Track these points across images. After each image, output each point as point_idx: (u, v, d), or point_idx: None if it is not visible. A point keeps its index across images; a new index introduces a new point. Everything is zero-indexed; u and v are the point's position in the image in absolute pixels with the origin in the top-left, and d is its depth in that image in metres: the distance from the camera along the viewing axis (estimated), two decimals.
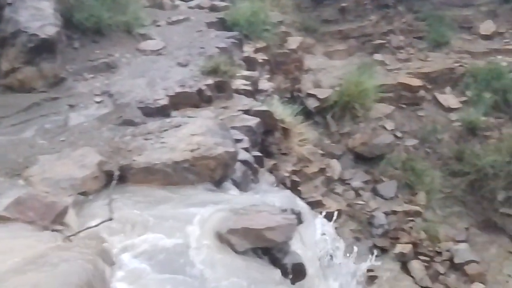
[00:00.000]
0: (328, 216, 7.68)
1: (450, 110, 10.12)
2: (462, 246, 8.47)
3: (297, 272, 3.57)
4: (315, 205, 7.62)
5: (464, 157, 9.42)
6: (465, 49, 11.08)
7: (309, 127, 9.37)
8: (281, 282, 3.32)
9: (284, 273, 3.47)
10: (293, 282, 3.55)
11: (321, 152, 8.83)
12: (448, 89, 10.44)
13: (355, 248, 4.51)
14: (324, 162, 8.59)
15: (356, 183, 8.91)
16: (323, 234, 4.30)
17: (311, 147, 8.45)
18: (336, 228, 7.89)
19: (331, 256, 4.27)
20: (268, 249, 3.50)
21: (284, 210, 3.66)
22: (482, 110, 9.96)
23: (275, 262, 3.50)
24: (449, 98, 10.28)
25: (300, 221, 3.87)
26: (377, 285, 7.47)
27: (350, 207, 8.57)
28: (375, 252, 8.05)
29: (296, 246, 3.75)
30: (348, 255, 4.66)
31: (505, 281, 8.57)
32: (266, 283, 3.25)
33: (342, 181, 8.90)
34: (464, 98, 10.30)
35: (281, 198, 4.11)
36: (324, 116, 9.56)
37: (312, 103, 9.45)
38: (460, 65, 10.65)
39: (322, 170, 8.33)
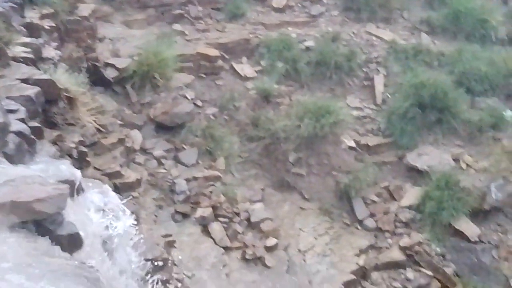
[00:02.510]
0: (126, 187, 7.66)
1: (247, 79, 10.63)
2: (258, 205, 9.05)
3: (73, 242, 3.52)
4: (113, 176, 7.57)
5: (259, 123, 10.00)
6: (259, 21, 11.69)
7: (108, 98, 9.22)
8: (53, 255, 3.26)
9: (59, 245, 3.40)
10: (69, 253, 3.50)
11: (120, 122, 8.73)
12: (244, 59, 10.94)
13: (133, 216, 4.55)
14: (124, 133, 8.51)
15: (158, 152, 8.97)
16: (106, 204, 4.29)
17: (108, 118, 8.31)
18: (136, 197, 7.97)
19: (112, 224, 4.28)
20: (40, 222, 3.40)
21: (57, 181, 3.57)
22: (275, 79, 10.64)
23: (48, 234, 3.41)
24: (245, 68, 10.78)
25: (75, 191, 3.81)
26: (178, 249, 7.68)
27: (152, 176, 8.62)
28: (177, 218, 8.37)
29: (72, 216, 3.69)
30: (134, 224, 4.71)
31: (297, 234, 9.39)
32: (37, 258, 3.16)
33: (143, 151, 8.90)
34: (259, 68, 10.87)
35: (58, 169, 3.99)
36: (123, 86, 9.41)
37: (110, 73, 9.24)
38: (255, 36, 11.21)
39: (121, 141, 8.25)
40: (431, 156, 10.25)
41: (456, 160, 10.19)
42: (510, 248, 9.40)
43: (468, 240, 9.42)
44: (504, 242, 9.47)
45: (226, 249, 8.28)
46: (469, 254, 9.39)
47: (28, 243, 3.28)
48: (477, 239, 9.42)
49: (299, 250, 9.08)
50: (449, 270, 9.31)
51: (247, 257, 8.27)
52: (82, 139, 5.79)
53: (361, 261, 9.26)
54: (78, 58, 7.96)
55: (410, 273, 9.33)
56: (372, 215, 9.91)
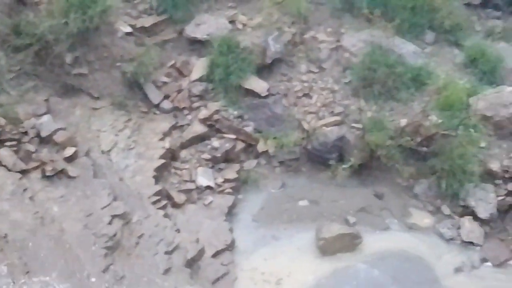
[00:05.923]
0: None
1: None
2: (45, 118, 8.40)
3: None
4: None
5: (21, 29, 8.94)
6: None
7: None
8: None
9: None
10: None
11: None
12: None
13: None
14: None
15: None
16: None
17: None
18: None
19: None
20: None
21: None
22: None
23: None
24: None
25: None
26: None
27: None
28: None
29: None
30: None
31: (95, 136, 9.02)
32: None
33: None
34: None
35: None
36: None
37: None
38: None
39: None
40: (208, 23, 10.26)
41: (232, 22, 10.35)
42: (296, 94, 10.12)
43: (260, 96, 9.91)
44: (290, 89, 10.15)
45: (23, 172, 7.72)
46: (263, 109, 9.94)
47: None
48: (267, 93, 9.94)
49: (102, 151, 8.80)
50: (249, 129, 9.82)
51: (47, 174, 7.79)
52: None
53: (167, 143, 9.33)
54: None
55: (215, 142, 9.66)
56: (166, 96, 9.86)
